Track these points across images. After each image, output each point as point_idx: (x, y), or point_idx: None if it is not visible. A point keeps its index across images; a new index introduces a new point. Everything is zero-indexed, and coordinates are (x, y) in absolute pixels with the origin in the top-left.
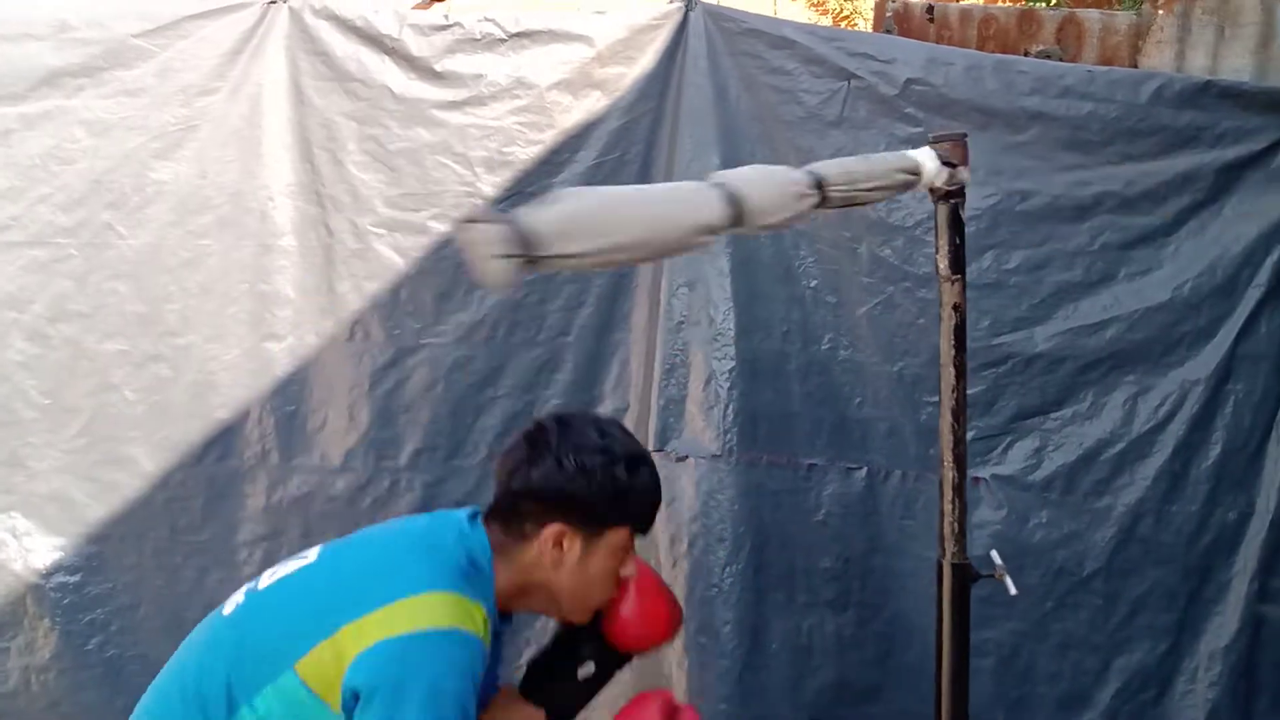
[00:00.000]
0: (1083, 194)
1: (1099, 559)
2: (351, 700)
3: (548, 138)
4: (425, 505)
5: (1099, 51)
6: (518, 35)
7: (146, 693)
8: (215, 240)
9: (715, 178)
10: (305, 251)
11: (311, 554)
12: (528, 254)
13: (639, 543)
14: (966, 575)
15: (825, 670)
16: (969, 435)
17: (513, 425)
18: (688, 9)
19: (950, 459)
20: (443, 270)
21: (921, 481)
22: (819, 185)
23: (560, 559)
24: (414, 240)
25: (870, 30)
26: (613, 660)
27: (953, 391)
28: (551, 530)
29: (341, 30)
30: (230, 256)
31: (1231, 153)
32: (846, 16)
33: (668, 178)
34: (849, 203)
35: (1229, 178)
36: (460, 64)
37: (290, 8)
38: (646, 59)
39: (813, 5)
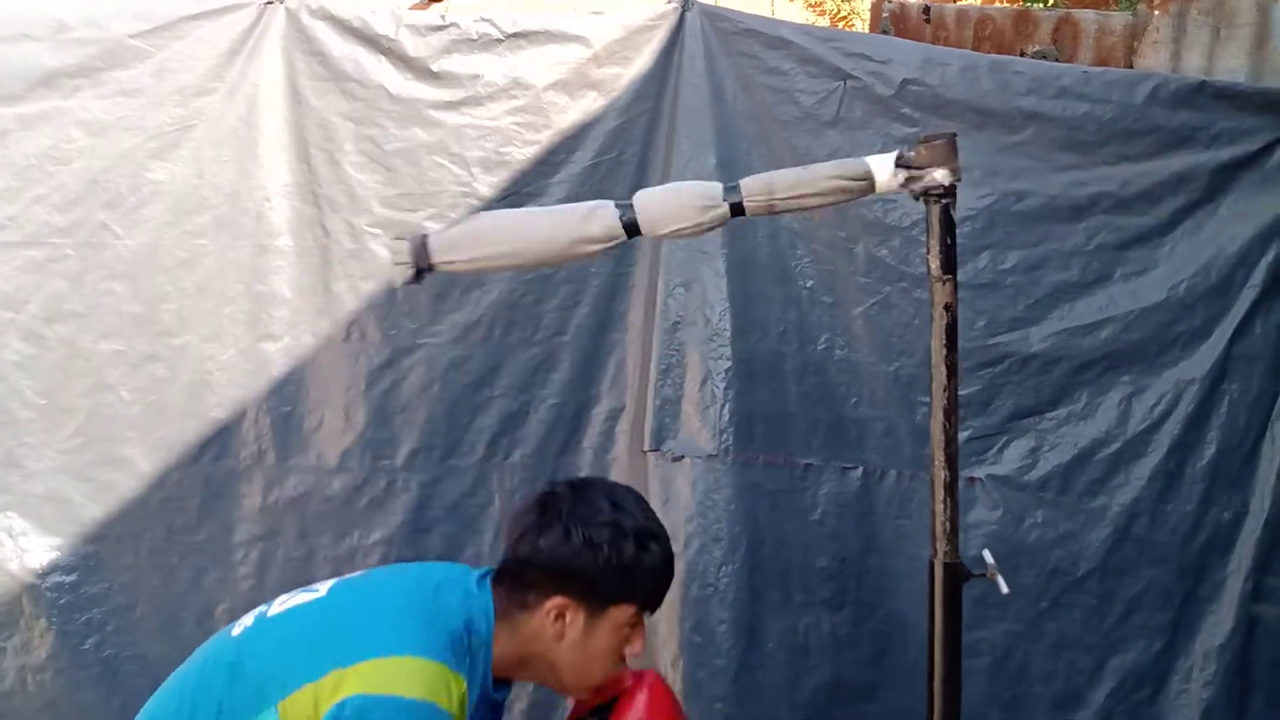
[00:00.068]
0: (1078, 194)
1: (1094, 559)
2: None
3: (544, 138)
4: (421, 505)
5: (1095, 52)
6: (514, 36)
7: (153, 696)
8: (211, 240)
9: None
10: (301, 252)
11: (323, 588)
12: (421, 264)
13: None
14: (958, 574)
15: (821, 669)
16: (965, 435)
17: (509, 425)
18: (684, 9)
19: (942, 458)
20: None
21: (917, 481)
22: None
23: (562, 633)
24: None
25: (867, 31)
26: None
27: (944, 391)
28: (554, 603)
29: (338, 31)
30: (226, 257)
31: (1227, 153)
32: (844, 17)
33: (664, 178)
34: (786, 210)
35: (1224, 178)
36: (457, 64)
37: (287, 8)
38: (643, 59)
39: (810, 6)
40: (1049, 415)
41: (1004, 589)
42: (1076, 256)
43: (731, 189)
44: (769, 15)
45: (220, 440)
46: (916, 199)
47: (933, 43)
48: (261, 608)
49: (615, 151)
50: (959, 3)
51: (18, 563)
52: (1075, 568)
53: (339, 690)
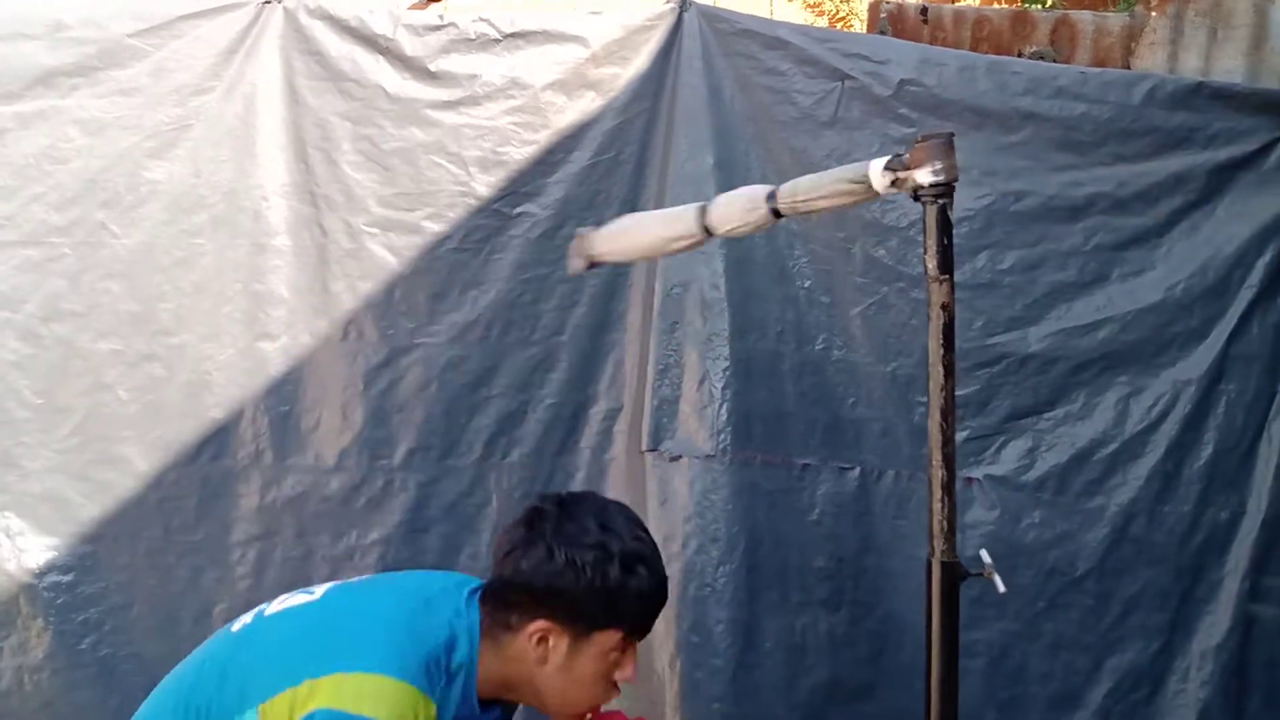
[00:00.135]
0: (1076, 195)
1: (1091, 559)
2: None
3: (542, 138)
4: (419, 505)
5: (1092, 53)
6: (512, 35)
7: (151, 693)
8: (209, 240)
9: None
10: (299, 251)
11: (319, 591)
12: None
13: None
14: (955, 574)
15: (819, 669)
16: (962, 435)
17: (507, 425)
18: (682, 10)
19: (939, 458)
20: (437, 270)
21: (914, 481)
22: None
23: (545, 657)
24: (408, 240)
25: (865, 31)
26: None
27: (941, 391)
28: (537, 626)
29: (336, 30)
30: (224, 256)
31: (1224, 154)
32: (842, 18)
33: (662, 178)
34: (809, 211)
35: (1221, 179)
36: (455, 64)
37: (285, 8)
38: (641, 59)
39: (808, 6)
40: (1046, 415)
41: (1001, 589)
42: (1074, 257)
43: (770, 194)
44: (767, 16)
45: (218, 440)
46: (916, 200)
47: (930, 43)
48: (262, 606)
49: (613, 151)
50: (956, 3)
51: (15, 562)
52: (1072, 568)
53: (310, 701)
